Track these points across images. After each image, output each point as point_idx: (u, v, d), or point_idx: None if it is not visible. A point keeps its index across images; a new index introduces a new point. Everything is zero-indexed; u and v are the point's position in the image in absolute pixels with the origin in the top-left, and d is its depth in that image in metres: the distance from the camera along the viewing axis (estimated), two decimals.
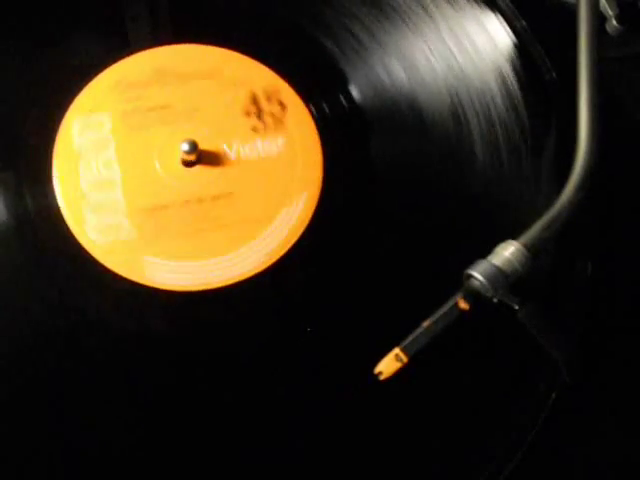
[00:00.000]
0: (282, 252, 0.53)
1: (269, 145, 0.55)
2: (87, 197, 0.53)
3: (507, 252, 0.48)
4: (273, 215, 0.54)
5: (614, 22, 0.59)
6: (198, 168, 0.54)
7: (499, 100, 0.57)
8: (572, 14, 0.54)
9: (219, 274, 0.53)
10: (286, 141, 0.56)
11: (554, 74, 0.58)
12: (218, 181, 0.54)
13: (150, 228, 0.53)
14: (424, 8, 0.59)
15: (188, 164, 0.54)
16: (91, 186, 0.53)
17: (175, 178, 0.54)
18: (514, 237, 0.49)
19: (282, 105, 0.56)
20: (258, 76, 0.57)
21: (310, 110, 0.56)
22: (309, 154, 0.55)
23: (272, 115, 0.56)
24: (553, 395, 0.53)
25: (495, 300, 0.48)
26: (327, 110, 0.57)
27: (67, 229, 0.53)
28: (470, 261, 0.49)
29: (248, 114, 0.56)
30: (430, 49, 0.58)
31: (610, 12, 0.59)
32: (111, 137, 0.54)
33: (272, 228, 0.54)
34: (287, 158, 0.55)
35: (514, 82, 0.57)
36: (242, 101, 0.56)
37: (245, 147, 0.55)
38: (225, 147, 0.55)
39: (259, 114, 0.56)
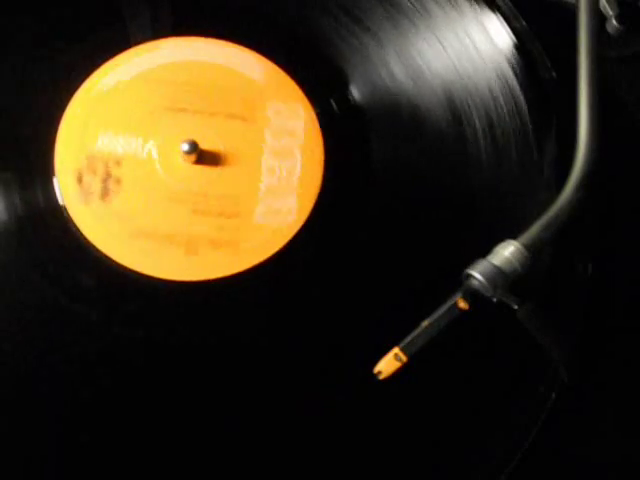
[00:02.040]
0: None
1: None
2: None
3: (507, 252, 0.48)
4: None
5: (614, 22, 0.59)
6: (198, 168, 0.54)
7: (499, 100, 0.57)
8: (572, 14, 0.54)
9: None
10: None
11: (554, 74, 0.58)
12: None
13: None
14: (424, 8, 0.59)
15: (190, 163, 0.54)
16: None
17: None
18: (514, 237, 0.49)
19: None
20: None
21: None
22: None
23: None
24: (553, 395, 0.53)
25: (494, 300, 0.48)
26: (327, 110, 0.57)
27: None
28: (470, 261, 0.49)
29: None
30: (430, 49, 0.58)
31: (610, 12, 0.59)
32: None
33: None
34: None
35: (514, 82, 0.57)
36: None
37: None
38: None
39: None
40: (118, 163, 0.54)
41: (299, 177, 0.55)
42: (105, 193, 0.53)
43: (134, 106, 0.55)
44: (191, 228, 0.53)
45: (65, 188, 0.53)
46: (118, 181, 0.54)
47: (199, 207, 0.54)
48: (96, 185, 0.53)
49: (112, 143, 0.54)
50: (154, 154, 0.54)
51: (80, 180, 0.54)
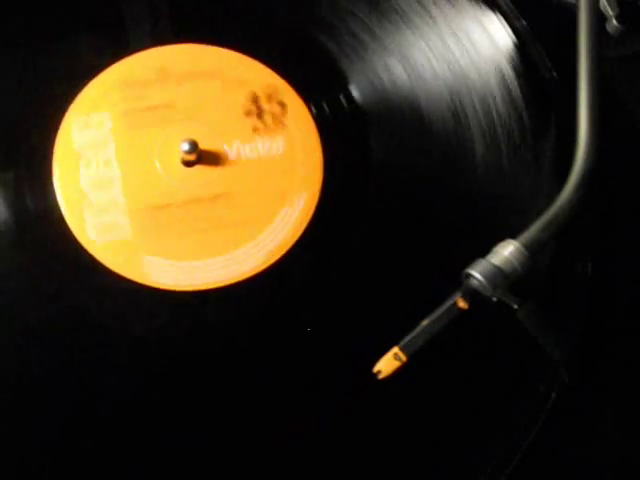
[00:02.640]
0: (282, 252, 0.53)
1: (269, 145, 0.55)
2: (87, 196, 0.53)
3: (506, 251, 0.48)
4: (273, 215, 0.54)
5: (614, 22, 0.59)
6: (198, 168, 0.54)
7: (499, 100, 0.57)
8: (572, 14, 0.54)
9: (219, 274, 0.53)
10: (286, 141, 0.56)
11: (554, 73, 0.58)
12: (218, 181, 0.54)
13: (150, 228, 0.53)
14: (424, 8, 0.59)
15: (188, 164, 0.54)
16: (91, 185, 0.53)
17: (175, 178, 0.54)
18: (513, 236, 0.49)
19: (282, 105, 0.56)
20: (258, 76, 0.57)
21: (310, 110, 0.56)
22: (309, 154, 0.55)
23: (272, 115, 0.56)
24: (553, 395, 0.53)
25: (494, 299, 0.48)
26: (327, 110, 0.57)
27: (67, 229, 0.53)
28: (469, 260, 0.49)
29: (249, 114, 0.56)
30: (430, 49, 0.58)
31: (610, 12, 0.59)
32: (111, 136, 0.54)
33: (272, 228, 0.54)
34: (287, 158, 0.55)
35: (514, 82, 0.57)
36: (242, 101, 0.56)
37: (245, 147, 0.55)
38: (225, 147, 0.55)
39: (260, 114, 0.56)
40: None
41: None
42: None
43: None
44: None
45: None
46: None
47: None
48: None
49: None
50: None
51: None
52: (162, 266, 0.52)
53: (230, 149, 0.55)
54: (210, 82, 0.56)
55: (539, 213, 0.49)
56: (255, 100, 0.56)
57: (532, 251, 0.48)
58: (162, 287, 0.52)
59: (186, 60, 0.56)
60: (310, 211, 0.54)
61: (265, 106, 0.56)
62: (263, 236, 0.54)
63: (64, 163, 0.54)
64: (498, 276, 0.48)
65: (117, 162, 0.54)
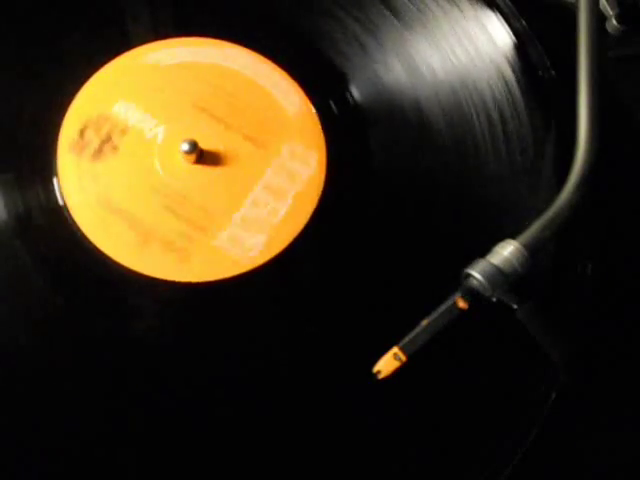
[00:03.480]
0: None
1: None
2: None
3: (506, 251, 0.48)
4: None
5: (614, 22, 0.59)
6: (192, 169, 0.54)
7: (499, 100, 0.57)
8: (572, 14, 0.54)
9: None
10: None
11: (554, 73, 0.58)
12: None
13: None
14: (425, 8, 0.59)
15: (189, 163, 0.54)
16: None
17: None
18: (513, 236, 0.49)
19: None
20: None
21: (310, 110, 0.57)
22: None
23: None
24: (553, 395, 0.52)
25: (494, 299, 0.48)
26: (327, 110, 0.57)
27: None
28: (469, 260, 0.49)
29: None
30: (430, 49, 0.58)
31: (610, 12, 0.59)
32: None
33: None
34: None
35: (514, 82, 0.57)
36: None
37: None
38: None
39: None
40: (123, 132, 0.54)
41: (278, 221, 0.54)
42: (97, 153, 0.54)
43: (164, 89, 0.56)
44: (155, 222, 0.53)
45: (66, 135, 0.54)
46: (115, 148, 0.54)
47: (174, 206, 0.53)
48: (94, 143, 0.54)
49: (127, 112, 0.55)
50: (159, 139, 0.55)
51: (82, 132, 0.54)
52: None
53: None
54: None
55: (539, 213, 0.49)
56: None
57: (532, 251, 0.48)
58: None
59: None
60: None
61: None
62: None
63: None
64: (498, 276, 0.48)
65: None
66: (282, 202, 0.54)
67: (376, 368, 0.47)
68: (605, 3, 0.59)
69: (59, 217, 0.53)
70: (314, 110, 0.57)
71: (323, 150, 0.56)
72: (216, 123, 0.55)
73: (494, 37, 0.59)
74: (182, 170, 0.54)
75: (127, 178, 0.54)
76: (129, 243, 0.52)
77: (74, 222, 0.53)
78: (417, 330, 0.47)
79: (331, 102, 0.57)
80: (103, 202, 0.53)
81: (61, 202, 0.53)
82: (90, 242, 0.52)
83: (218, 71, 0.57)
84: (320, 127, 0.56)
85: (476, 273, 0.48)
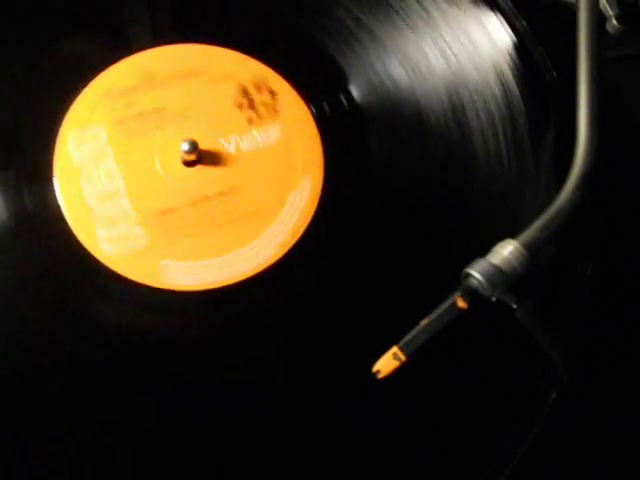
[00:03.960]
0: (293, 241, 0.54)
1: (266, 134, 0.55)
2: (94, 210, 0.53)
3: (506, 251, 0.48)
4: (281, 203, 0.54)
5: (614, 22, 0.59)
6: (200, 167, 0.54)
7: (499, 99, 0.57)
8: (572, 14, 0.54)
9: (237, 269, 0.53)
10: (282, 128, 0.56)
11: (554, 74, 0.58)
12: (222, 177, 0.54)
13: (162, 232, 0.53)
14: (424, 7, 0.59)
15: (189, 164, 0.54)
16: (96, 199, 0.53)
17: (178, 179, 0.54)
18: (513, 236, 0.49)
19: (272, 93, 0.56)
20: (244, 68, 0.56)
21: (310, 110, 0.57)
22: (307, 138, 0.56)
23: (264, 104, 0.56)
24: (553, 395, 0.52)
25: (493, 299, 0.48)
26: (327, 110, 0.57)
27: (70, 233, 0.53)
28: (469, 260, 0.49)
29: (241, 107, 0.56)
30: (430, 49, 0.58)
31: (610, 12, 0.59)
32: (109, 148, 0.54)
33: (281, 217, 0.54)
34: (286, 144, 0.55)
35: (514, 82, 0.57)
36: (232, 94, 0.56)
37: (243, 140, 0.55)
38: (223, 142, 0.55)
39: (251, 105, 0.56)
40: None
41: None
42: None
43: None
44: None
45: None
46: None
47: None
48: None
49: None
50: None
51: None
52: (179, 268, 0.52)
53: (228, 144, 0.55)
54: (196, 80, 0.56)
55: (539, 213, 0.49)
56: (245, 92, 0.56)
57: (531, 251, 0.48)
58: (181, 289, 0.52)
59: (168, 62, 0.56)
60: (311, 212, 0.54)
61: (255, 96, 0.56)
62: (274, 226, 0.53)
63: (65, 179, 0.54)
64: (497, 276, 0.48)
65: (118, 172, 0.54)
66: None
67: (375, 368, 0.47)
68: (605, 3, 0.59)
69: (58, 217, 0.53)
70: (313, 111, 0.57)
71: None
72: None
73: (494, 37, 0.59)
74: (183, 170, 0.54)
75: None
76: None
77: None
78: (416, 330, 0.47)
79: (331, 102, 0.57)
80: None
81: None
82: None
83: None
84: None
85: (476, 273, 0.48)
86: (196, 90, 0.56)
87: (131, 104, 0.55)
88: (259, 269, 0.53)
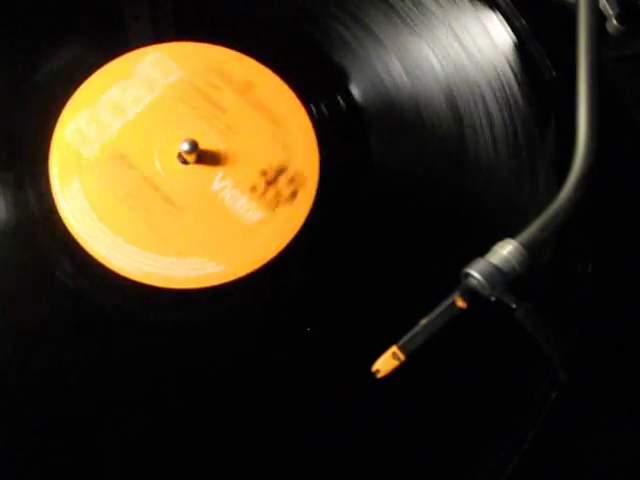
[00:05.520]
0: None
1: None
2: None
3: (505, 251, 0.48)
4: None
5: (614, 21, 0.59)
6: (200, 167, 0.54)
7: (499, 99, 0.57)
8: (572, 14, 0.54)
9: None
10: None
11: (554, 73, 0.58)
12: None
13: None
14: (424, 8, 0.59)
15: (188, 163, 0.54)
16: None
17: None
18: (513, 236, 0.49)
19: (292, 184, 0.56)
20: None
21: (310, 110, 0.57)
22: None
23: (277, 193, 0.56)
24: (553, 395, 0.52)
25: (493, 299, 0.48)
26: (327, 110, 0.57)
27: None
28: (468, 260, 0.49)
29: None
30: (430, 48, 0.58)
31: (610, 11, 0.59)
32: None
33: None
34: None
35: (514, 82, 0.57)
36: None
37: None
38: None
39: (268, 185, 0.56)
40: None
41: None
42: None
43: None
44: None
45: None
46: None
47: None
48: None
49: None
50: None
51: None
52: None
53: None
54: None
55: (538, 212, 0.49)
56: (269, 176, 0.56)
57: (531, 250, 0.48)
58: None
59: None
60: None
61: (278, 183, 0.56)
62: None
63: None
64: (497, 275, 0.48)
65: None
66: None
67: (375, 367, 0.47)
68: (605, 3, 0.59)
69: (58, 217, 0.53)
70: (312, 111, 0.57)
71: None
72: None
73: (494, 37, 0.59)
74: (183, 170, 0.54)
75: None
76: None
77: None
78: (416, 329, 0.47)
79: (331, 102, 0.57)
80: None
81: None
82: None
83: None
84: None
85: (475, 272, 0.48)
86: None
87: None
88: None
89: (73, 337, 0.51)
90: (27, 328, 0.51)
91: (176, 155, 0.54)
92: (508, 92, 0.57)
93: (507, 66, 0.58)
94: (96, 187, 0.54)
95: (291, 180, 0.55)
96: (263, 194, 0.54)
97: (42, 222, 0.53)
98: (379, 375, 0.47)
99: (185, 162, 0.54)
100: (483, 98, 0.57)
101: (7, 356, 0.51)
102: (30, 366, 0.51)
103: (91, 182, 0.54)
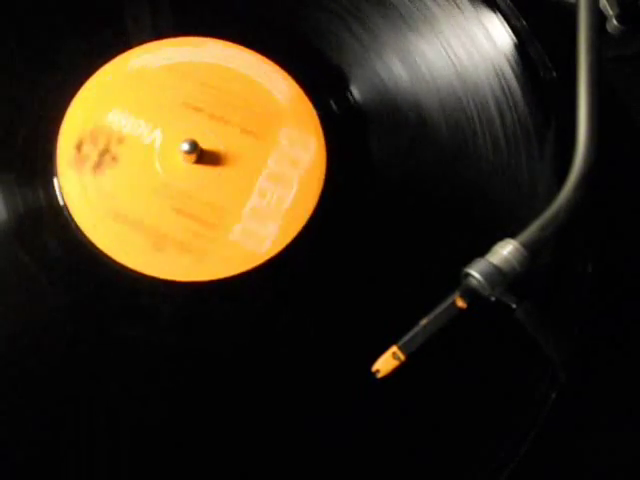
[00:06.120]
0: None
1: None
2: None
3: (505, 251, 0.48)
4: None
5: (614, 22, 0.59)
6: (195, 168, 0.54)
7: (499, 99, 0.57)
8: (572, 14, 0.54)
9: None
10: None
11: (554, 74, 0.58)
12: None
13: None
14: (424, 8, 0.59)
15: (189, 163, 0.54)
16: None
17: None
18: (513, 236, 0.49)
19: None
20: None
21: (311, 109, 0.57)
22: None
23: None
24: (553, 395, 0.52)
25: (493, 299, 0.48)
26: (327, 110, 0.57)
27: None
28: (468, 259, 0.49)
29: None
30: (430, 49, 0.58)
31: (610, 11, 0.59)
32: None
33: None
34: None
35: (514, 82, 0.57)
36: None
37: None
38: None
39: None
40: (120, 141, 0.54)
41: (287, 208, 0.54)
42: (98, 166, 0.54)
43: (153, 93, 0.56)
44: (166, 225, 0.53)
45: (63, 153, 0.54)
46: (114, 158, 0.54)
47: (182, 207, 0.53)
48: (93, 156, 0.54)
49: (121, 121, 0.55)
50: (157, 144, 0.55)
51: (79, 148, 0.54)
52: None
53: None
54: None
55: (538, 212, 0.49)
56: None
57: (531, 250, 0.48)
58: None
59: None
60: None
61: None
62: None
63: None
64: (497, 275, 0.47)
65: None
66: (288, 188, 0.54)
67: (375, 367, 0.47)
68: (605, 3, 0.59)
69: (59, 217, 0.53)
70: (304, 95, 0.57)
71: (321, 135, 0.56)
72: (213, 121, 0.55)
73: (494, 37, 0.59)
74: (183, 168, 0.54)
75: (130, 185, 0.54)
76: (143, 250, 0.52)
77: (74, 222, 0.53)
78: (416, 329, 0.47)
79: (331, 101, 0.57)
80: (111, 214, 0.53)
81: (61, 202, 0.53)
82: (102, 252, 0.52)
83: (204, 68, 0.57)
84: (313, 111, 0.56)
85: (475, 272, 0.48)
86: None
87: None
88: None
89: (75, 340, 0.51)
90: (27, 330, 0.51)
91: (179, 156, 0.54)
92: (508, 92, 0.57)
93: (507, 66, 0.58)
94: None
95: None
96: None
97: (47, 220, 0.53)
98: (379, 375, 0.47)
99: (191, 161, 0.55)
100: (483, 98, 0.57)
101: (7, 355, 0.51)
102: (30, 366, 0.51)
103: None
